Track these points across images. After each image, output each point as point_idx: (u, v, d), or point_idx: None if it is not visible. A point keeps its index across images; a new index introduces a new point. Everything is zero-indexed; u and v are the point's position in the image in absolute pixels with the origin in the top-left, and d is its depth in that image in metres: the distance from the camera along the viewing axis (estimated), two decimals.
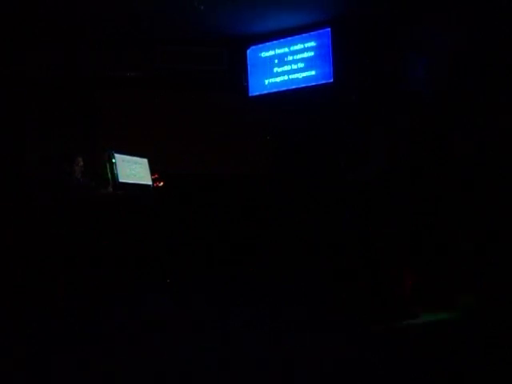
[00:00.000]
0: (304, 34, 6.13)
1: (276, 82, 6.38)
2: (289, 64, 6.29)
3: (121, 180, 4.77)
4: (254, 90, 6.48)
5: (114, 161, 4.78)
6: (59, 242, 4.47)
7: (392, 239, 4.57)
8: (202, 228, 5.97)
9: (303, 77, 6.19)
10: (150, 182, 5.25)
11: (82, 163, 5.00)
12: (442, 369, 2.71)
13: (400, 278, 4.05)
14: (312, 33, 6.08)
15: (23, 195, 4.95)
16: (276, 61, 6.37)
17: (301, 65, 6.21)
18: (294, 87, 6.24)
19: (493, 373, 2.62)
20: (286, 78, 6.31)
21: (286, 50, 6.29)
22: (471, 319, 3.56)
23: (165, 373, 2.72)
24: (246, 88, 6.48)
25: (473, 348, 2.99)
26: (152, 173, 5.32)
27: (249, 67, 6.48)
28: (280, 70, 6.35)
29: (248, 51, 6.46)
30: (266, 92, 6.42)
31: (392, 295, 4.05)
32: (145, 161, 5.29)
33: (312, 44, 6.12)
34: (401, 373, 2.70)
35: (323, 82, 6.02)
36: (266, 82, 6.43)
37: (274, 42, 6.33)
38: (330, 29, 5.93)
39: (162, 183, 5.43)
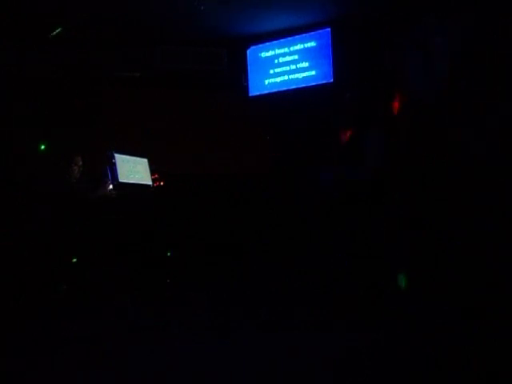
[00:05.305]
0: (304, 34, 6.13)
1: (276, 82, 6.38)
2: (289, 64, 6.30)
3: (121, 180, 4.77)
4: (254, 90, 6.49)
5: (113, 161, 4.78)
6: (58, 241, 4.48)
7: (392, 238, 4.57)
8: (201, 228, 5.97)
9: (303, 77, 6.19)
10: (149, 182, 5.24)
11: (80, 163, 5.00)
12: (442, 368, 2.71)
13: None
14: (312, 33, 6.08)
15: (22, 195, 4.96)
16: (276, 61, 6.38)
17: (301, 65, 6.22)
18: (293, 87, 6.25)
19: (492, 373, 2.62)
20: (285, 78, 6.32)
21: (286, 50, 6.30)
22: (471, 319, 3.56)
23: (165, 373, 2.73)
24: (246, 88, 6.49)
25: (473, 348, 2.98)
26: (152, 173, 5.32)
27: (249, 67, 6.49)
28: (280, 70, 6.36)
29: (248, 51, 6.47)
30: (266, 92, 6.43)
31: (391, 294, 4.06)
32: (145, 161, 5.29)
33: (312, 44, 6.12)
34: (400, 373, 2.70)
35: (323, 82, 6.03)
36: (266, 82, 6.43)
37: (274, 42, 6.33)
38: (329, 29, 5.94)
39: (162, 183, 5.43)
